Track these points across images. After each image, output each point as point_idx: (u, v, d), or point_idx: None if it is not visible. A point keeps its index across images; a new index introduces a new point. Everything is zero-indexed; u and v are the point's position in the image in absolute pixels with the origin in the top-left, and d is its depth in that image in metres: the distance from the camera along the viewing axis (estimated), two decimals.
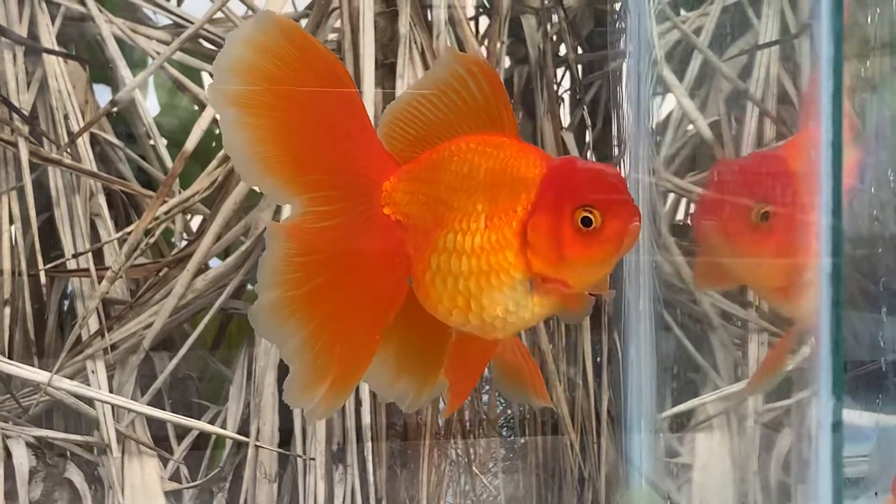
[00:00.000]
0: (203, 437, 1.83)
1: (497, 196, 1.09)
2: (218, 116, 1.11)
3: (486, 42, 1.94)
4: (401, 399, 1.21)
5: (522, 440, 1.98)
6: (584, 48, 2.04)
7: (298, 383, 1.12)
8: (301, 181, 1.12)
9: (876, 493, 1.22)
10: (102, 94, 1.91)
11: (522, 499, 1.77)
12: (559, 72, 2.04)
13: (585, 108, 2.02)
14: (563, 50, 2.01)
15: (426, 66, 1.76)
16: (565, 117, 2.03)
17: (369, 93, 1.72)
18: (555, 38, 2.00)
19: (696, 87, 1.88)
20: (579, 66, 2.04)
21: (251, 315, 1.11)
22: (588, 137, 2.00)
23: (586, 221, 1.05)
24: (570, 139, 1.95)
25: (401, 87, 1.74)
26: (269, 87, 1.09)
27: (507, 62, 1.99)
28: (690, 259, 1.82)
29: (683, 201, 1.98)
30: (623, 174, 1.85)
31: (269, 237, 1.11)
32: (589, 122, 2.01)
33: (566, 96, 2.07)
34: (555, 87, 1.99)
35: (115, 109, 1.95)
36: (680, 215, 1.99)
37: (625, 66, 1.86)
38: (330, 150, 1.14)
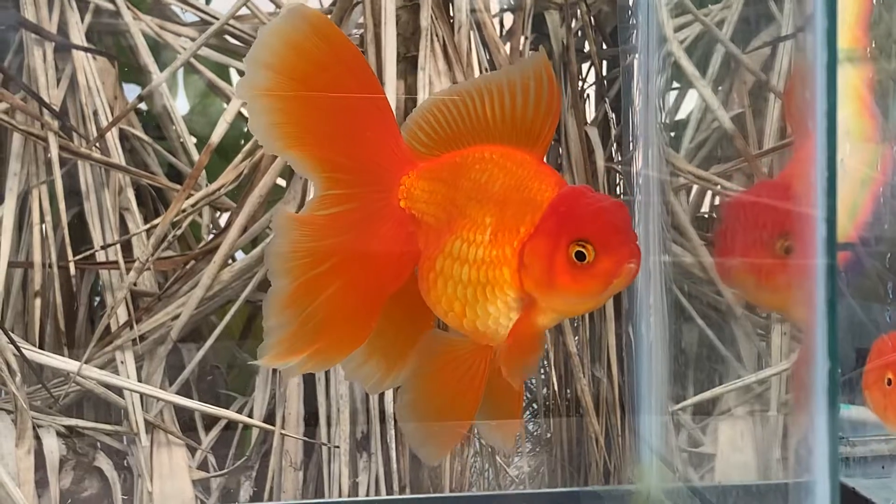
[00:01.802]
0: (230, 427, 1.86)
1: (505, 212, 1.13)
2: (247, 104, 1.14)
3: (509, 38, 1.96)
4: (365, 379, 1.25)
5: (548, 435, 1.99)
6: (608, 44, 2.06)
7: (277, 349, 1.16)
8: (321, 161, 1.17)
9: (883, 467, 1.23)
10: (132, 94, 1.94)
11: (548, 501, 1.78)
12: (584, 67, 2.05)
13: (609, 103, 2.03)
14: (586, 46, 2.02)
15: (447, 60, 1.78)
16: (589, 113, 2.04)
17: (391, 85, 1.74)
18: (578, 33, 2.02)
19: (718, 80, 1.88)
20: (603, 62, 2.05)
21: (265, 300, 1.15)
22: (612, 132, 2.01)
23: (580, 255, 1.08)
24: (594, 134, 1.96)
25: (422, 80, 1.76)
26: (297, 78, 1.12)
27: None
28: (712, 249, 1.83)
29: (708, 194, 1.99)
30: (636, 169, 1.86)
31: (279, 226, 1.15)
32: (613, 117, 2.02)
33: (591, 92, 2.08)
34: (578, 83, 2.00)
35: (144, 108, 1.99)
36: (704, 207, 2.00)
37: (636, 61, 1.87)
38: (351, 138, 1.17)
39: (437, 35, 1.78)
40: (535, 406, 2.04)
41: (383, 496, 1.73)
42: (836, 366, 0.85)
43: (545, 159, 1.17)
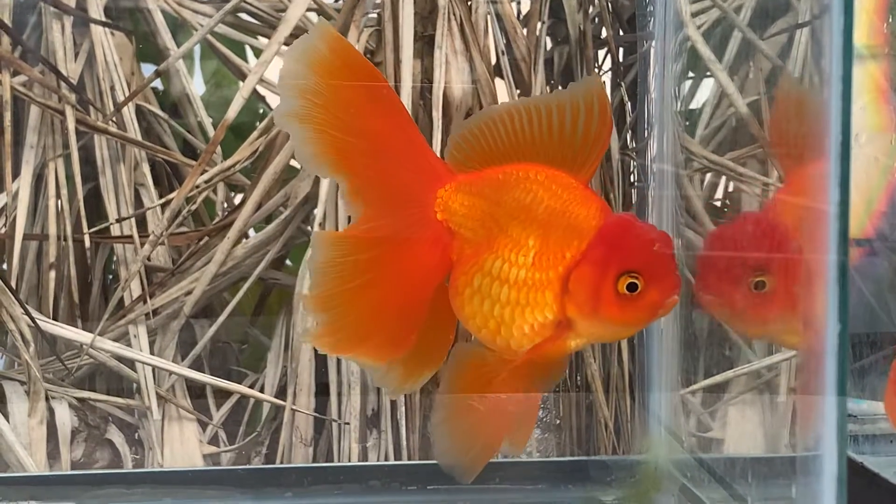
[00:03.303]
0: (241, 404, 1.87)
1: (550, 236, 1.14)
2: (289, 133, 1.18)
3: (527, 21, 1.96)
4: (385, 383, 1.27)
5: (558, 421, 1.99)
6: (625, 30, 2.06)
7: (323, 339, 1.19)
8: (358, 193, 1.19)
9: (892, 441, 1.23)
10: (149, 73, 1.95)
11: (556, 470, 1.77)
12: (601, 54, 2.05)
13: (625, 89, 2.03)
14: (603, 32, 2.02)
15: (464, 39, 1.78)
16: None
17: (408, 64, 1.75)
18: (595, 19, 2.02)
19: (734, 67, 1.88)
20: (620, 49, 2.05)
21: (302, 298, 1.17)
22: (627, 119, 2.01)
23: (631, 287, 1.09)
24: None
25: (439, 59, 1.76)
26: (322, 102, 1.15)
27: (547, 43, 2.01)
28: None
29: (722, 180, 1.99)
30: (650, 155, 1.86)
31: (317, 243, 1.17)
32: (628, 103, 2.02)
33: (607, 78, 2.08)
34: (595, 68, 2.00)
35: (161, 88, 2.00)
36: (718, 193, 2.00)
37: (653, 48, 1.87)
38: (379, 161, 1.19)
39: (454, 14, 1.78)
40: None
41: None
42: (846, 330, 0.85)
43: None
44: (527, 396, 1.25)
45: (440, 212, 1.20)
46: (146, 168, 1.86)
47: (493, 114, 1.19)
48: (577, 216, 1.14)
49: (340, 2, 1.87)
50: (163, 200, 1.83)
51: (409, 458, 1.75)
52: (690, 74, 1.94)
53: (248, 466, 1.79)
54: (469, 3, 1.83)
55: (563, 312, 1.13)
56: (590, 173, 1.17)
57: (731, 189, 2.00)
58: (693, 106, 1.94)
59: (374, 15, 1.82)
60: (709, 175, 1.97)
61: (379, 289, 1.19)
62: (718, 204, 2.02)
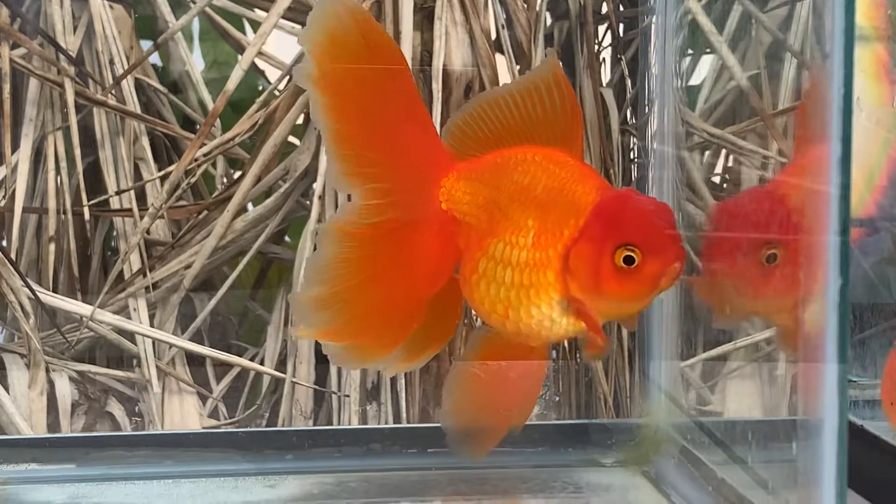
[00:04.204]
0: (241, 377, 1.87)
1: (548, 215, 1.14)
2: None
3: None
4: (386, 365, 1.30)
5: (557, 398, 1.99)
6: (625, 5, 2.05)
7: (317, 331, 1.20)
8: (361, 172, 1.19)
9: (892, 404, 1.23)
10: (148, 46, 1.95)
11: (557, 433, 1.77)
12: (601, 30, 2.05)
13: (626, 65, 2.02)
14: (604, 7, 2.01)
15: (465, 11, 1.78)
16: (606, 75, 2.04)
17: (407, 36, 1.74)
18: None
19: (735, 39, 1.88)
20: (620, 24, 2.05)
21: (292, 300, 1.17)
22: (628, 95, 2.01)
23: (628, 260, 1.09)
24: (609, 96, 1.96)
25: (438, 30, 1.76)
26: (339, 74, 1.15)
27: (547, 17, 2.00)
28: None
29: (722, 154, 1.99)
30: (651, 131, 1.86)
31: (324, 237, 1.17)
32: (629, 78, 2.02)
33: (607, 54, 2.07)
34: (595, 44, 2.00)
35: (160, 65, 1.99)
36: (718, 168, 2.00)
37: (653, 23, 1.86)
38: (389, 144, 1.20)
39: None
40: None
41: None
42: (847, 286, 0.85)
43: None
44: (534, 371, 1.25)
45: (445, 201, 1.21)
46: (146, 142, 1.86)
47: (482, 101, 1.21)
48: (574, 193, 1.14)
49: None
50: (162, 173, 1.83)
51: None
52: (690, 51, 1.94)
53: (248, 429, 1.79)
54: None
55: (568, 291, 1.13)
56: (579, 148, 1.17)
57: (730, 164, 2.00)
58: (693, 81, 1.94)
59: None
60: (708, 152, 1.98)
61: (387, 282, 1.20)
62: (718, 179, 2.02)
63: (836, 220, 0.87)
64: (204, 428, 1.79)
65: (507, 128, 1.19)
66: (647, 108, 1.89)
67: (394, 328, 1.22)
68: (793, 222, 1.28)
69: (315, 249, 1.20)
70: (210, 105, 1.94)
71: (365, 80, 1.16)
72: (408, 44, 1.74)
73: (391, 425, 1.71)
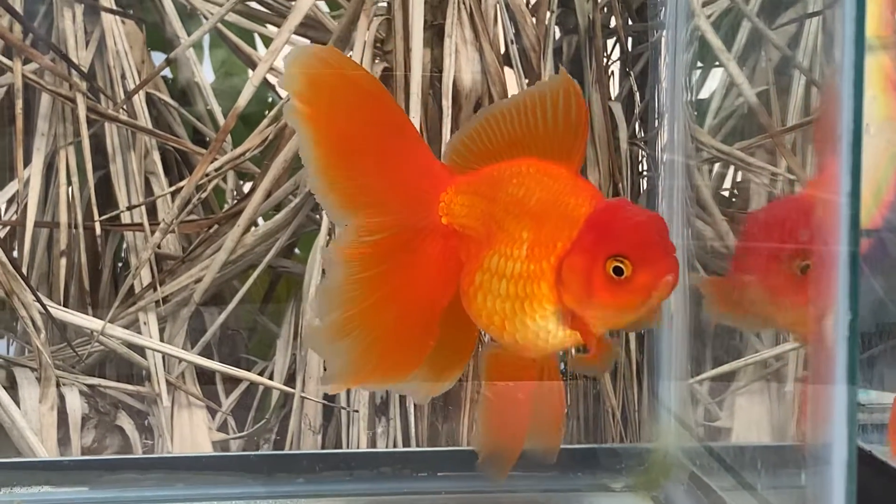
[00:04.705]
0: (250, 391, 1.87)
1: (542, 227, 1.15)
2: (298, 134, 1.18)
3: (535, 11, 1.96)
4: (414, 392, 1.30)
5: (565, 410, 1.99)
6: (634, 19, 2.06)
7: (340, 377, 1.21)
8: (357, 200, 1.20)
9: None
10: (159, 62, 1.95)
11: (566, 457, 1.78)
12: (609, 43, 2.05)
13: (634, 79, 2.03)
14: (612, 22, 2.02)
15: (474, 28, 1.79)
16: (615, 88, 2.04)
17: (417, 53, 1.75)
18: (605, 9, 2.02)
19: (743, 56, 1.88)
20: (629, 38, 2.05)
21: (306, 336, 1.18)
22: (636, 109, 2.01)
23: (617, 271, 1.09)
24: (617, 110, 1.96)
25: (448, 48, 1.76)
26: (328, 113, 1.17)
27: (556, 32, 2.01)
28: (735, 227, 1.83)
29: (731, 170, 1.99)
30: (660, 145, 1.86)
31: (329, 262, 1.17)
32: (637, 93, 2.02)
33: (615, 68, 2.08)
34: (603, 58, 2.00)
35: (171, 77, 2.00)
36: (727, 184, 2.00)
37: (664, 37, 1.87)
38: (381, 168, 1.21)
39: (464, 3, 1.79)
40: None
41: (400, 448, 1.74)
42: (857, 318, 0.86)
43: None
44: (550, 395, 1.26)
45: (444, 215, 1.22)
46: (156, 156, 1.87)
47: (486, 115, 1.21)
48: (567, 205, 1.15)
49: None
50: (173, 188, 1.83)
51: (417, 446, 1.75)
52: (699, 64, 1.94)
53: (259, 452, 1.80)
54: None
55: (562, 302, 1.13)
56: (578, 162, 1.18)
57: (739, 179, 2.00)
58: (702, 96, 1.94)
59: (385, 4, 1.82)
60: (717, 165, 1.98)
61: (399, 300, 1.21)
62: (727, 194, 2.03)
63: (846, 260, 0.87)
64: (213, 443, 1.80)
65: (507, 140, 1.20)
66: (656, 122, 1.89)
67: (412, 346, 1.22)
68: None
69: (323, 276, 1.21)
70: (220, 115, 1.95)
71: (349, 112, 1.18)
72: (418, 61, 1.75)
73: (401, 449, 1.71)
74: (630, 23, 2.04)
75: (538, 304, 1.14)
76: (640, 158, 1.98)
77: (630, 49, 2.02)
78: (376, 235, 1.20)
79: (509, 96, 1.75)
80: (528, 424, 1.26)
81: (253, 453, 1.77)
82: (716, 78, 1.93)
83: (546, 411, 1.26)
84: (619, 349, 1.79)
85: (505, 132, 1.20)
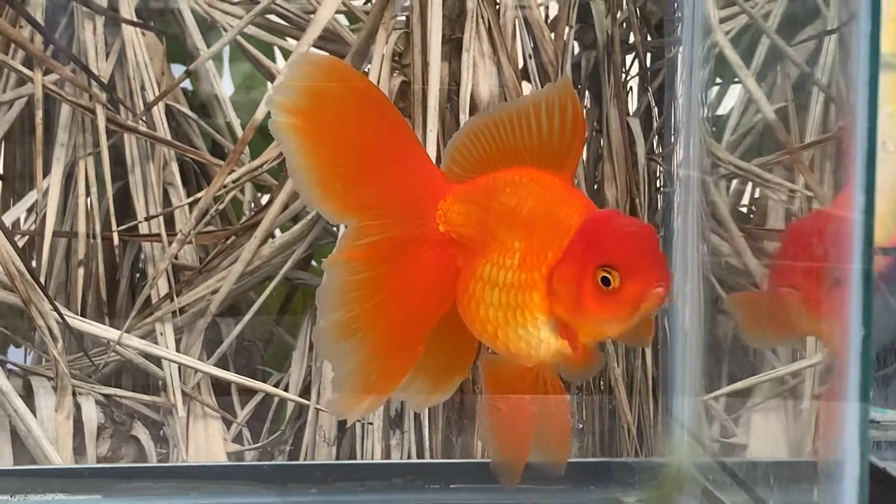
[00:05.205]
0: (265, 403, 1.88)
1: (533, 237, 1.15)
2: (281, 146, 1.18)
3: (554, 26, 1.96)
4: (411, 399, 1.30)
5: (581, 425, 1.99)
6: (653, 35, 2.06)
7: (349, 398, 1.21)
8: (354, 206, 1.20)
9: None
10: (179, 74, 1.97)
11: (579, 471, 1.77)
12: (628, 59, 2.05)
13: (652, 95, 2.03)
14: (631, 37, 2.02)
15: (492, 42, 1.79)
16: (633, 104, 2.05)
17: (435, 66, 1.76)
18: (624, 24, 2.02)
19: (762, 73, 1.88)
20: (647, 54, 2.05)
21: (314, 336, 1.19)
22: (654, 124, 2.01)
23: (605, 281, 1.09)
24: (635, 125, 1.97)
25: (466, 62, 1.77)
26: (318, 123, 1.16)
27: (575, 47, 2.01)
28: (753, 243, 1.83)
29: (748, 186, 1.98)
30: (676, 160, 1.86)
31: (329, 268, 1.18)
32: (655, 108, 2.02)
33: (634, 83, 2.08)
34: (622, 73, 2.00)
35: (190, 89, 2.01)
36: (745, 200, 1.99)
37: (680, 53, 1.87)
38: (380, 174, 1.21)
39: (482, 17, 1.79)
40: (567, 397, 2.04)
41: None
42: (870, 335, 0.85)
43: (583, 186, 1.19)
44: (553, 404, 1.25)
45: (442, 223, 1.22)
46: (175, 167, 1.88)
47: (480, 123, 1.22)
48: (559, 216, 1.15)
49: (369, 4, 1.88)
50: (191, 199, 1.84)
51: (430, 459, 1.75)
52: (718, 80, 1.94)
53: (273, 462, 1.80)
54: (497, 6, 1.84)
55: (553, 312, 1.14)
56: (572, 170, 1.18)
57: (756, 195, 2.00)
58: (720, 112, 1.94)
59: (403, 18, 1.83)
60: (735, 181, 1.98)
61: (394, 307, 1.21)
62: (745, 210, 2.02)
63: (860, 275, 0.87)
64: (228, 454, 1.80)
65: (503, 149, 1.20)
66: (673, 138, 1.89)
67: (402, 354, 1.22)
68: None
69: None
70: (238, 128, 1.96)
71: (345, 121, 1.18)
72: (435, 74, 1.76)
73: (414, 460, 1.71)
74: (649, 38, 2.05)
75: (529, 314, 1.14)
76: (657, 174, 1.98)
77: (649, 65, 2.03)
78: (373, 238, 1.20)
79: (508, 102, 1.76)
80: (532, 433, 1.26)
81: (266, 463, 1.78)
82: (734, 94, 1.93)
83: (551, 423, 1.25)
84: (605, 360, 1.79)
85: (501, 141, 1.20)
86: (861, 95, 0.98)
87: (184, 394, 1.80)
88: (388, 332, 1.20)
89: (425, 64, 1.76)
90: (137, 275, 1.97)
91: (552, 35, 1.91)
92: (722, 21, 1.84)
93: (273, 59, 2.01)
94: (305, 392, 1.83)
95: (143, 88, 1.86)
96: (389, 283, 1.20)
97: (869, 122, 0.94)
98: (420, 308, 1.22)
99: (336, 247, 1.28)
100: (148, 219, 1.83)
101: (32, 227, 1.83)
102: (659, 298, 1.08)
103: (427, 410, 1.74)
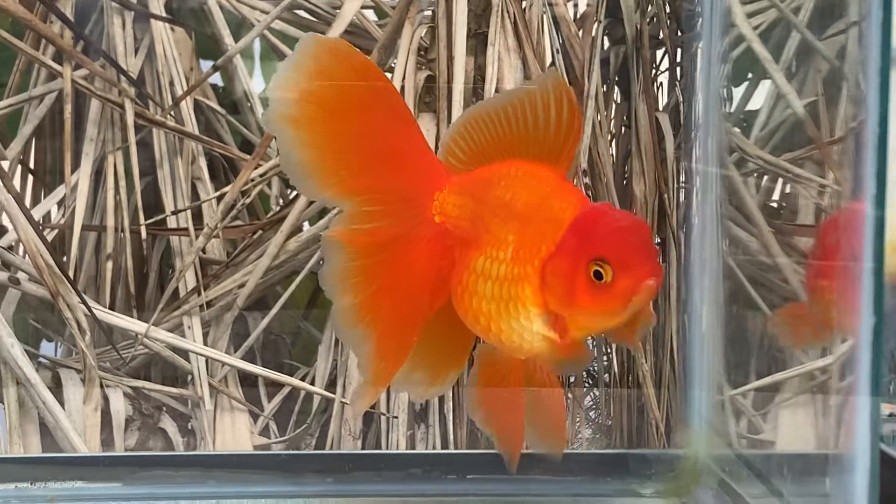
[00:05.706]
0: (292, 396, 1.89)
1: (527, 230, 1.15)
2: (276, 138, 1.18)
3: (583, 22, 1.96)
4: (411, 390, 1.31)
5: (609, 422, 1.99)
6: (683, 31, 2.05)
7: (369, 390, 1.23)
8: (353, 192, 1.20)
9: None
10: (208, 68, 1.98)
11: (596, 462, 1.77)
12: (658, 54, 2.05)
13: (681, 90, 2.02)
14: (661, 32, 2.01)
15: (517, 37, 1.79)
16: (662, 99, 2.04)
17: (460, 60, 1.76)
18: (654, 19, 2.01)
19: (790, 67, 1.87)
20: (678, 49, 2.05)
21: (332, 318, 1.20)
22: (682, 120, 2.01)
23: (598, 275, 1.09)
24: (664, 120, 1.96)
25: (492, 56, 1.77)
26: (321, 107, 1.16)
27: (605, 42, 2.01)
28: (781, 238, 1.81)
29: (778, 182, 1.97)
30: (695, 155, 1.85)
31: (326, 247, 1.18)
32: (683, 103, 2.01)
33: (664, 79, 2.07)
34: (651, 69, 1.99)
35: (221, 85, 2.03)
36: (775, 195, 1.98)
37: (699, 49, 1.85)
38: (380, 162, 1.22)
39: (507, 12, 1.79)
40: (595, 392, 2.04)
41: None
42: (881, 321, 0.85)
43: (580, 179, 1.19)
44: (547, 395, 1.26)
45: (437, 214, 1.22)
46: (203, 162, 1.89)
47: (476, 114, 1.22)
48: (553, 209, 1.15)
49: None
50: (217, 193, 1.85)
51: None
52: (749, 75, 1.93)
53: (290, 451, 1.81)
54: (522, 1, 1.84)
55: (546, 306, 1.14)
56: (567, 164, 1.18)
57: (787, 191, 1.98)
58: (751, 105, 1.93)
59: (429, 12, 1.83)
60: (765, 177, 1.96)
61: (392, 294, 1.22)
62: (775, 205, 2.01)
63: (871, 258, 0.87)
64: (254, 447, 1.81)
65: (499, 141, 1.20)
66: (693, 134, 1.89)
67: (396, 345, 1.23)
68: None
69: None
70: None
71: (347, 105, 1.18)
72: (461, 69, 1.76)
73: (431, 451, 1.71)
74: (679, 33, 2.04)
75: (522, 307, 1.14)
76: (680, 170, 1.97)
77: (679, 60, 2.02)
78: (370, 224, 1.20)
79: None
80: (523, 422, 1.26)
81: (284, 452, 1.79)
82: (763, 89, 1.92)
83: (545, 413, 1.26)
84: (593, 355, 1.79)
85: (497, 133, 1.20)
86: (872, 85, 0.97)
87: (211, 387, 1.81)
88: (383, 321, 1.21)
89: (451, 58, 1.77)
90: (170, 269, 1.99)
91: (580, 31, 1.91)
92: (749, 16, 1.83)
93: None
94: (331, 385, 1.84)
95: (171, 84, 1.87)
96: (386, 271, 1.20)
97: (880, 112, 0.93)
98: (415, 298, 1.22)
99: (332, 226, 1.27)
100: (176, 212, 1.84)
101: (62, 221, 1.85)
102: (650, 292, 1.08)
103: (452, 405, 1.75)
